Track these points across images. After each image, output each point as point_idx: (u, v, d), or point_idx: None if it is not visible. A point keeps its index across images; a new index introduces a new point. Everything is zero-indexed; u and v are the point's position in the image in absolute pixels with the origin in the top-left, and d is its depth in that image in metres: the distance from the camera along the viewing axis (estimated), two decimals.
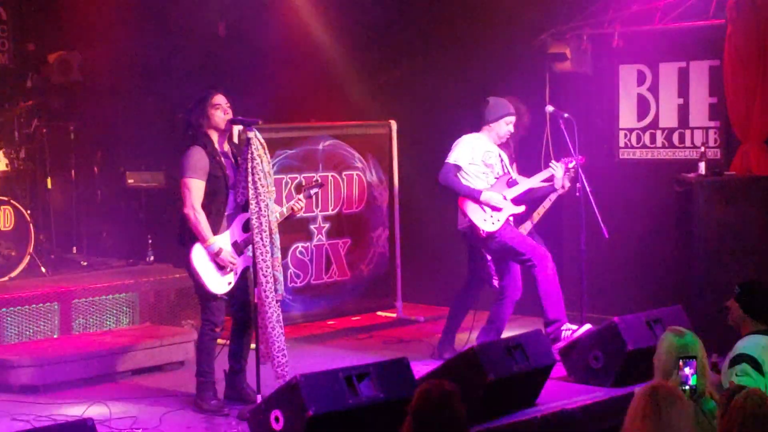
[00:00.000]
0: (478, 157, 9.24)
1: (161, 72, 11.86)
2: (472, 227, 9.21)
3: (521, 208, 9.34)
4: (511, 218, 9.27)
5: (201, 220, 7.85)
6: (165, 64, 11.93)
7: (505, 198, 9.20)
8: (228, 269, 7.98)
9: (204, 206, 7.89)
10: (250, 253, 7.97)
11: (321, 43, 11.82)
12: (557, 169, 9.42)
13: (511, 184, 9.34)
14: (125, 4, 11.70)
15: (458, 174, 9.18)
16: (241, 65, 11.75)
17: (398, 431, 6.38)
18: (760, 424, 5.39)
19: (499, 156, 9.39)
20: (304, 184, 8.88)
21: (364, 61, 11.95)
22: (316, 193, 9.86)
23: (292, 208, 8.28)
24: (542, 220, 9.70)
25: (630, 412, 4.98)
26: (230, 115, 8.05)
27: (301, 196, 8.47)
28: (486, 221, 9.14)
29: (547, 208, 9.62)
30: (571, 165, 9.45)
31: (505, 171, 9.38)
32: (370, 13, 11.80)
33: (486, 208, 9.15)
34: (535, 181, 9.48)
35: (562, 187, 9.47)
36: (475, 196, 9.12)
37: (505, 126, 9.32)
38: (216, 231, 7.93)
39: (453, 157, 9.23)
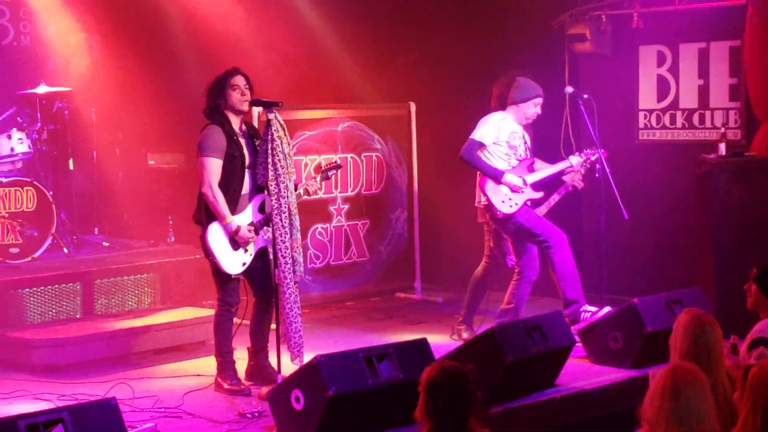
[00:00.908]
0: (503, 138, 9.23)
1: (181, 52, 11.87)
2: (491, 207, 9.21)
3: (540, 194, 9.33)
4: (529, 202, 9.28)
5: (219, 199, 7.86)
6: (186, 46, 11.94)
7: (525, 183, 9.20)
8: (244, 249, 8.02)
9: (221, 185, 7.90)
10: (266, 234, 8.00)
11: (341, 27, 11.82)
12: (576, 161, 9.43)
13: (531, 168, 9.34)
14: None
15: (482, 152, 9.18)
16: (262, 46, 11.74)
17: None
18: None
19: (523, 138, 9.38)
20: (323, 165, 8.88)
21: (383, 43, 11.95)
22: (334, 175, 9.87)
23: (307, 190, 8.30)
24: (562, 201, 9.68)
25: (650, 393, 4.99)
26: (248, 97, 8.05)
27: (318, 177, 8.50)
28: (504, 203, 9.14)
29: (557, 200, 9.59)
30: (593, 157, 9.42)
31: (528, 154, 9.37)
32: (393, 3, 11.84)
33: (505, 189, 9.16)
34: (555, 170, 9.47)
35: (580, 183, 9.47)
36: (497, 177, 9.12)
37: (534, 107, 9.32)
38: (233, 210, 7.93)
39: (479, 134, 9.21)
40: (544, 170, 9.43)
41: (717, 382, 5.22)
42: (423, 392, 5.28)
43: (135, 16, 11.99)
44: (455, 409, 5.21)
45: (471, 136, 9.23)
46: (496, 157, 9.21)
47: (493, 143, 9.21)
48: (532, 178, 9.30)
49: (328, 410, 6.73)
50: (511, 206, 9.16)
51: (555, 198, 9.59)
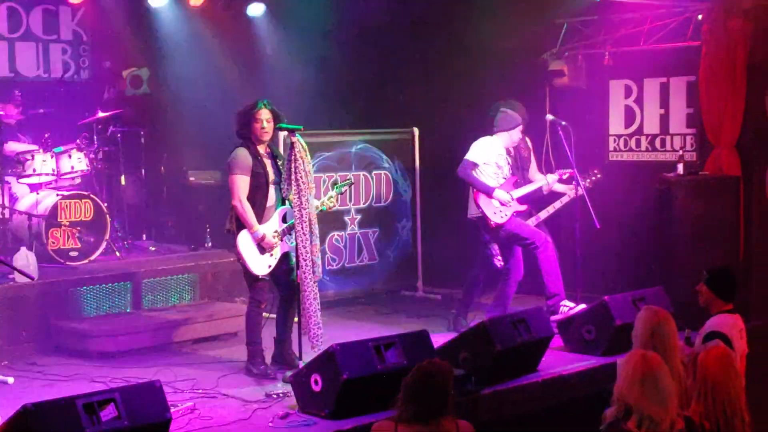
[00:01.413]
0: (492, 159, 9.25)
1: (218, 84, 11.88)
2: (484, 218, 9.23)
3: (523, 207, 9.35)
4: (515, 214, 9.28)
5: (247, 210, 7.90)
6: (221, 77, 11.95)
7: (512, 197, 9.21)
8: (270, 254, 8.01)
9: (248, 199, 7.93)
10: (290, 241, 8.02)
11: (354, 63, 11.82)
12: (551, 180, 9.47)
13: (516, 185, 9.36)
14: (186, 28, 11.71)
15: (474, 171, 9.19)
16: (287, 78, 11.75)
17: None
18: (723, 371, 5.42)
19: (506, 159, 9.38)
20: (338, 181, 8.91)
21: (390, 77, 11.95)
22: (347, 190, 9.87)
23: (326, 203, 8.32)
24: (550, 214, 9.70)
25: (620, 377, 4.98)
26: (268, 130, 8.09)
27: (332, 193, 8.51)
28: (496, 214, 9.17)
29: (558, 208, 9.59)
30: (565, 176, 9.47)
31: (513, 173, 9.37)
32: (397, 40, 11.82)
33: (496, 203, 9.17)
34: (535, 186, 9.48)
35: (575, 194, 9.46)
36: (489, 192, 9.14)
37: (517, 133, 9.33)
38: (260, 220, 7.97)
39: (472, 155, 9.24)
40: (527, 186, 9.44)
41: (673, 368, 5.22)
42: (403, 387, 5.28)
43: (176, 52, 12.00)
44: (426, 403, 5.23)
45: (465, 157, 9.24)
46: (486, 175, 9.21)
47: (484, 163, 9.22)
48: (517, 193, 9.31)
49: (342, 391, 6.73)
50: (501, 217, 9.19)
51: (557, 205, 9.59)
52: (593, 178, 9.59)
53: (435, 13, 11.39)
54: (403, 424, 5.19)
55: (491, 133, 9.36)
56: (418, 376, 5.25)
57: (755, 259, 10.28)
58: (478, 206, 9.25)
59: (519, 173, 9.53)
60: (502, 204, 9.18)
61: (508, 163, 9.39)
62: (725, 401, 5.42)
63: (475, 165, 9.20)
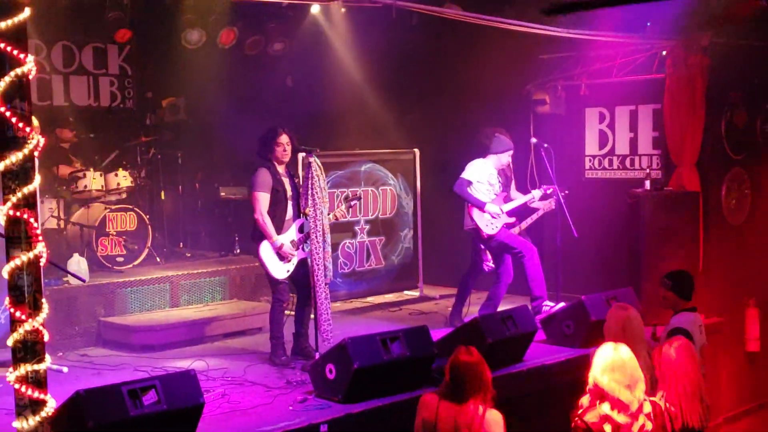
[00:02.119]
0: (484, 178, 9.26)
1: (245, 111, 11.90)
2: (477, 229, 9.24)
3: (512, 219, 9.36)
4: (505, 225, 9.28)
5: (268, 223, 7.93)
6: (248, 105, 11.98)
7: (502, 211, 9.22)
8: (288, 260, 8.03)
9: (269, 213, 7.96)
10: (306, 248, 8.03)
11: (363, 93, 11.85)
12: (536, 194, 9.46)
13: (506, 200, 9.38)
14: (217, 64, 11.75)
15: (469, 188, 9.21)
16: (304, 106, 11.78)
17: (422, 381, 6.40)
18: (685, 361, 5.44)
19: (498, 178, 9.39)
20: (350, 196, 8.94)
21: (395, 105, 11.96)
22: (356, 204, 9.91)
23: (336, 216, 8.35)
24: (531, 223, 9.71)
25: (594, 366, 4.99)
26: (288, 153, 8.15)
27: (343, 207, 8.54)
28: (488, 226, 9.17)
29: (534, 219, 9.61)
30: (549, 191, 9.48)
31: (502, 190, 9.39)
32: (401, 73, 11.84)
33: (488, 216, 9.17)
34: (522, 201, 9.49)
35: (547, 208, 9.49)
36: (481, 207, 9.15)
37: (507, 157, 9.35)
38: (279, 231, 8.01)
39: (467, 174, 9.25)
40: (515, 201, 9.45)
41: (640, 358, 5.23)
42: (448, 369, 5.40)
43: (208, 84, 12.04)
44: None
45: (461, 176, 9.25)
46: (479, 192, 9.22)
47: (477, 181, 9.23)
48: (506, 207, 9.31)
49: (353, 379, 6.74)
50: (493, 228, 9.18)
51: (534, 217, 9.60)
52: (563, 194, 9.60)
53: (434, 49, 11.43)
54: (444, 399, 5.32)
55: (484, 156, 9.39)
56: (459, 364, 5.38)
57: (712, 264, 10.28)
58: (472, 219, 9.27)
59: (506, 191, 9.56)
60: (493, 217, 9.19)
61: (499, 182, 9.41)
62: (686, 387, 5.43)
63: (469, 183, 9.22)
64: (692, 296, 6.88)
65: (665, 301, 6.92)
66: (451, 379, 5.35)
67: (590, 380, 4.96)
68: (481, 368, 5.37)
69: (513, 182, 9.78)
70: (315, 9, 10.04)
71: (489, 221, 9.18)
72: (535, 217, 9.60)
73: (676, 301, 6.85)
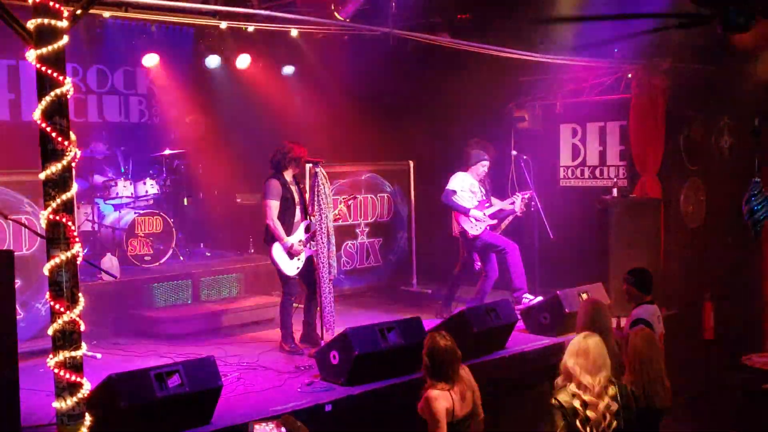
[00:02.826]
0: (466, 188, 9.28)
1: (258, 127, 11.89)
2: (464, 232, 9.24)
3: (494, 222, 9.37)
4: (488, 227, 9.29)
5: (278, 227, 7.94)
6: (261, 121, 11.97)
7: (484, 215, 9.22)
8: (297, 258, 8.03)
9: (279, 217, 7.97)
10: (312, 248, 8.03)
11: (362, 110, 11.85)
12: (517, 199, 9.47)
13: (488, 206, 9.38)
14: (234, 85, 11.74)
15: (454, 197, 9.21)
16: (312, 123, 11.78)
17: (415, 366, 6.36)
18: (648, 348, 5.43)
19: (479, 187, 9.39)
20: (343, 201, 9.00)
21: (392, 122, 11.96)
22: (353, 203, 9.93)
23: (336, 215, 8.34)
24: (510, 226, 9.71)
25: (568, 352, 5.00)
26: (299, 166, 8.13)
27: (341, 206, 8.56)
28: (472, 228, 9.18)
29: (508, 222, 9.63)
30: (526, 196, 9.49)
31: (483, 197, 9.39)
32: (397, 93, 11.85)
33: (472, 219, 9.17)
34: (503, 206, 9.50)
35: (521, 211, 9.51)
36: (466, 213, 9.15)
37: (482, 167, 9.35)
38: (288, 233, 8.01)
39: (451, 186, 9.27)
40: (496, 206, 9.46)
41: (608, 346, 5.22)
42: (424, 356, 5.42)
43: (226, 103, 12.05)
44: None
45: (446, 187, 9.28)
46: (463, 200, 9.22)
47: (461, 191, 9.23)
48: (488, 211, 9.32)
49: (354, 364, 6.75)
50: (477, 229, 9.20)
51: (508, 220, 9.62)
52: (530, 192, 9.62)
53: (427, 73, 11.42)
54: (449, 386, 5.39)
55: (465, 169, 9.41)
56: (441, 349, 5.49)
57: (672, 262, 10.30)
58: (459, 224, 9.29)
59: (487, 197, 9.58)
60: (477, 220, 9.19)
61: (481, 190, 9.41)
62: (649, 371, 5.44)
63: (453, 192, 9.24)
64: (651, 291, 6.88)
65: (629, 296, 6.92)
66: (437, 364, 5.33)
67: (562, 365, 4.98)
68: (455, 347, 5.48)
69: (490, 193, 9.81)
70: (320, 36, 10.05)
71: (473, 224, 9.20)
72: (510, 217, 9.63)
73: (638, 295, 6.85)
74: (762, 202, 7.08)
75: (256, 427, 3.87)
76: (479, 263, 9.57)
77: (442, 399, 5.32)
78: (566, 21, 8.04)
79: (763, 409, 8.31)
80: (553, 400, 4.90)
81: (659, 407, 5.46)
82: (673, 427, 6.49)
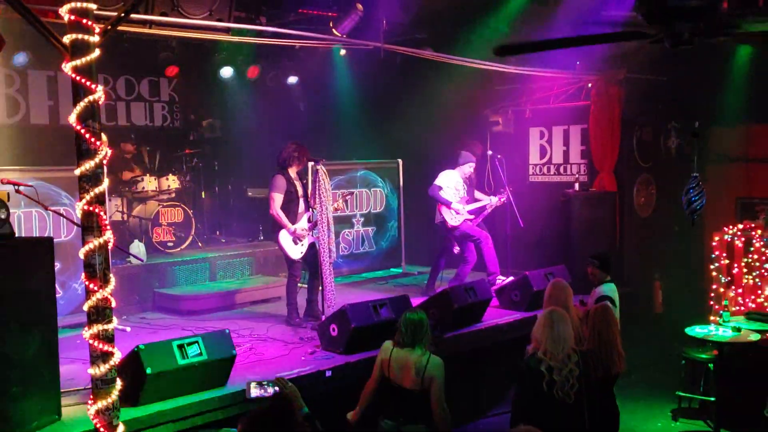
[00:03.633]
0: (451, 185, 9.26)
1: (266, 130, 11.88)
2: (444, 222, 9.24)
3: (472, 216, 9.37)
4: (467, 221, 9.28)
5: (282, 216, 7.93)
6: (268, 125, 11.95)
7: (464, 209, 9.22)
8: (301, 244, 8.03)
9: (283, 208, 7.96)
10: (314, 235, 8.03)
11: (357, 114, 11.84)
12: (494, 199, 9.49)
13: (468, 202, 9.38)
14: (246, 92, 11.71)
15: (440, 191, 9.20)
16: (314, 126, 11.76)
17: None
18: (605, 321, 5.46)
19: (463, 185, 9.39)
20: (341, 195, 8.99)
21: (383, 125, 11.96)
22: (350, 198, 9.91)
23: (335, 208, 8.33)
24: (487, 216, 9.72)
25: (536, 325, 5.02)
26: (302, 164, 8.11)
27: (340, 200, 8.55)
28: (452, 219, 9.17)
29: (486, 214, 9.63)
30: (503, 199, 9.53)
31: (465, 195, 9.39)
32: (387, 98, 11.83)
33: (453, 212, 9.18)
34: (482, 203, 9.50)
35: (497, 203, 9.52)
36: (448, 205, 9.15)
37: (468, 168, 9.35)
38: (293, 222, 7.99)
39: (438, 182, 9.25)
40: (476, 203, 9.45)
41: (571, 320, 5.24)
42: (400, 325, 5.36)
43: (238, 108, 12.02)
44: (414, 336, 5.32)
45: (434, 183, 9.26)
46: (447, 195, 9.22)
47: (447, 187, 9.23)
48: (468, 207, 9.32)
49: (351, 336, 6.76)
50: (456, 222, 9.19)
51: (487, 211, 9.62)
52: (510, 189, 9.61)
53: (413, 81, 11.40)
54: (398, 346, 5.34)
55: (453, 168, 9.40)
56: (406, 317, 5.38)
57: (626, 247, 10.35)
58: (441, 214, 9.28)
59: (471, 195, 9.58)
60: (457, 213, 9.20)
61: (464, 188, 9.41)
62: (606, 341, 5.45)
63: (440, 188, 9.22)
64: (611, 271, 6.90)
65: (593, 277, 6.91)
66: (404, 330, 5.35)
67: (532, 335, 4.99)
68: (425, 322, 5.40)
69: (475, 185, 9.81)
70: (320, 50, 10.03)
71: (453, 216, 9.19)
72: (487, 211, 9.63)
73: (602, 276, 6.86)
74: (699, 193, 7.09)
75: (253, 384, 3.90)
76: (457, 249, 9.58)
77: (383, 351, 5.41)
78: (530, 50, 8.01)
79: (702, 373, 8.37)
80: (523, 365, 4.92)
81: (614, 373, 5.48)
82: (626, 389, 6.53)
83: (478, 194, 9.71)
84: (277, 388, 3.87)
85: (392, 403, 5.29)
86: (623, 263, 10.18)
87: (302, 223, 8.05)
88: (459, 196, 9.31)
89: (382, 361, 5.38)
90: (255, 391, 3.88)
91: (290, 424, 3.32)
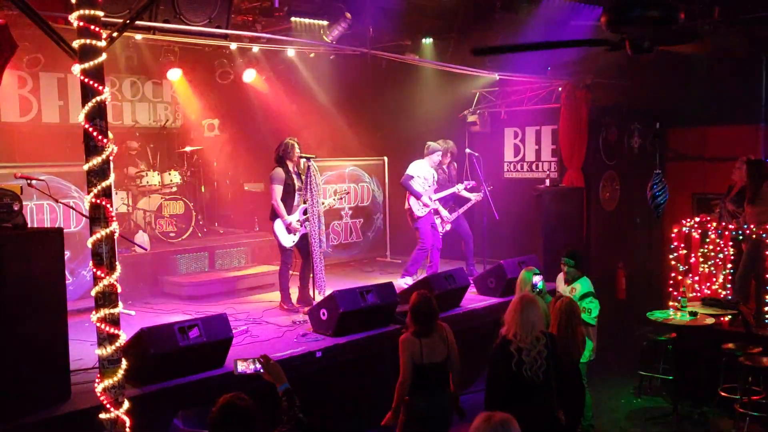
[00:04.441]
0: (422, 174, 9.19)
1: (261, 128, 11.83)
2: (410, 210, 9.16)
3: (437, 205, 9.26)
4: (433, 211, 9.20)
5: (280, 207, 7.92)
6: (264, 125, 11.90)
7: (431, 199, 9.16)
8: (294, 234, 8.03)
9: (282, 200, 7.95)
10: (306, 226, 8.03)
11: (344, 114, 11.83)
12: (459, 187, 9.44)
13: (436, 192, 9.31)
14: (243, 94, 11.68)
15: (411, 181, 9.16)
16: (305, 125, 11.74)
17: (388, 321, 6.35)
18: (567, 315, 5.49)
19: (432, 175, 9.29)
20: (338, 191, 8.95)
21: (370, 125, 11.97)
22: (342, 198, 9.88)
23: (330, 204, 8.34)
24: (466, 210, 9.74)
25: (508, 309, 5.04)
26: (300, 154, 8.12)
27: (334, 198, 8.54)
28: (418, 210, 9.10)
29: (468, 206, 9.63)
30: (469, 186, 9.48)
31: (434, 185, 9.28)
32: (373, 99, 11.83)
33: (421, 203, 9.12)
34: (448, 192, 9.42)
35: (478, 198, 9.51)
36: (417, 196, 9.10)
37: (437, 157, 9.27)
38: (289, 213, 8.00)
39: (410, 171, 9.17)
40: (442, 192, 9.38)
41: (540, 306, 5.26)
42: (408, 312, 5.38)
43: (235, 109, 11.97)
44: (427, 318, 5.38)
45: (406, 172, 9.18)
46: (417, 184, 9.15)
47: (417, 176, 9.16)
48: (435, 197, 9.25)
49: (340, 320, 6.77)
50: (421, 213, 9.12)
51: (468, 205, 9.63)
52: (489, 188, 9.63)
53: (398, 85, 11.40)
54: (422, 337, 5.36)
55: (422, 157, 9.34)
56: (417, 305, 5.39)
57: (592, 238, 10.41)
58: (408, 203, 9.17)
59: (447, 184, 9.54)
60: (425, 205, 9.11)
61: (434, 177, 9.30)
62: (569, 326, 5.51)
63: (411, 177, 9.14)
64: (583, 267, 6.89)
65: (569, 276, 6.78)
66: (422, 320, 5.35)
67: (504, 318, 5.02)
68: (433, 307, 5.47)
69: (456, 180, 9.81)
70: (311, 55, 10.01)
71: (419, 207, 9.11)
72: (469, 204, 9.65)
73: (576, 273, 6.82)
74: (662, 189, 7.16)
75: (239, 361, 3.92)
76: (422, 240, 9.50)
77: (411, 344, 5.35)
78: (505, 51, 8.04)
79: (661, 353, 8.44)
80: (496, 346, 4.95)
81: (576, 358, 5.55)
82: (593, 368, 6.58)
83: (461, 190, 9.70)
84: (260, 366, 3.89)
85: (424, 382, 5.30)
86: (590, 253, 10.24)
87: (296, 215, 8.05)
88: (428, 185, 9.23)
89: (413, 355, 5.28)
90: (241, 368, 3.90)
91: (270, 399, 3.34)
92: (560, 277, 7.04)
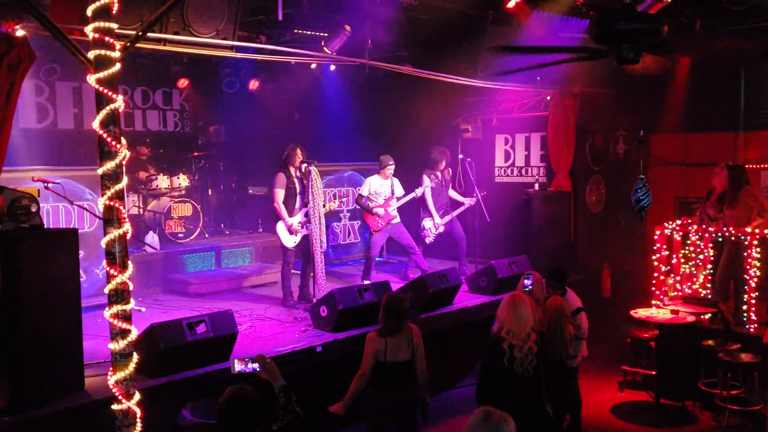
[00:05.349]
0: (373, 190, 9.03)
1: (266, 135, 11.84)
2: (367, 224, 9.14)
3: (395, 215, 9.09)
4: (387, 225, 9.07)
5: (282, 209, 7.94)
6: (267, 132, 11.90)
7: (387, 211, 9.00)
8: (296, 235, 8.03)
9: (285, 202, 7.97)
10: (308, 228, 8.04)
11: (346, 122, 11.82)
12: (466, 201, 9.41)
13: (444, 203, 9.25)
14: (247, 102, 11.66)
15: (363, 200, 9.03)
16: (306, 132, 11.73)
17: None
18: (556, 314, 5.49)
19: (390, 185, 9.11)
20: (337, 195, 8.95)
21: (367, 131, 11.95)
22: (344, 200, 9.88)
23: (330, 207, 8.35)
24: (461, 213, 9.74)
25: (500, 307, 5.05)
26: (302, 159, 8.12)
27: (335, 202, 8.55)
28: (374, 224, 9.06)
29: (461, 210, 9.64)
30: (472, 203, 9.45)
31: (389, 195, 9.11)
32: (371, 108, 11.83)
33: (376, 217, 9.02)
34: (409, 197, 9.25)
35: (471, 203, 9.48)
36: (370, 211, 9.00)
37: (389, 170, 9.06)
38: (291, 215, 8.01)
39: (362, 191, 9.09)
40: (403, 199, 9.19)
41: (531, 305, 5.27)
42: (381, 309, 5.30)
43: (241, 116, 11.96)
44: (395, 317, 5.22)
45: (359, 192, 9.10)
46: (371, 201, 9.03)
47: (368, 194, 9.05)
48: (397, 204, 9.09)
49: (339, 316, 6.79)
50: (378, 226, 9.05)
51: (462, 209, 9.63)
52: (483, 194, 9.63)
53: (395, 94, 11.39)
54: (388, 336, 5.18)
55: (377, 173, 9.17)
56: (390, 303, 5.24)
57: (579, 239, 10.42)
58: (366, 218, 9.12)
59: (441, 188, 9.55)
60: (379, 217, 9.00)
61: (391, 187, 9.09)
62: (558, 325, 5.52)
63: (362, 197, 9.03)
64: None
65: (553, 294, 6.31)
66: (392, 318, 5.17)
67: (497, 316, 5.02)
68: (405, 308, 5.27)
69: (450, 185, 9.81)
70: (312, 65, 10.02)
71: (375, 221, 9.01)
72: (462, 209, 9.66)
73: (561, 291, 6.61)
74: (645, 193, 7.16)
75: (236, 361, 3.93)
76: (429, 238, 9.46)
77: (375, 342, 5.20)
78: (497, 51, 8.07)
79: (644, 350, 8.46)
80: (488, 343, 4.96)
81: (564, 357, 5.56)
82: (579, 364, 6.59)
83: (452, 193, 9.73)
84: (257, 365, 3.89)
85: (385, 379, 5.14)
86: (577, 253, 10.25)
87: (298, 217, 8.05)
88: (383, 197, 9.07)
89: (378, 351, 5.15)
90: (238, 367, 3.91)
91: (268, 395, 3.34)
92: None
